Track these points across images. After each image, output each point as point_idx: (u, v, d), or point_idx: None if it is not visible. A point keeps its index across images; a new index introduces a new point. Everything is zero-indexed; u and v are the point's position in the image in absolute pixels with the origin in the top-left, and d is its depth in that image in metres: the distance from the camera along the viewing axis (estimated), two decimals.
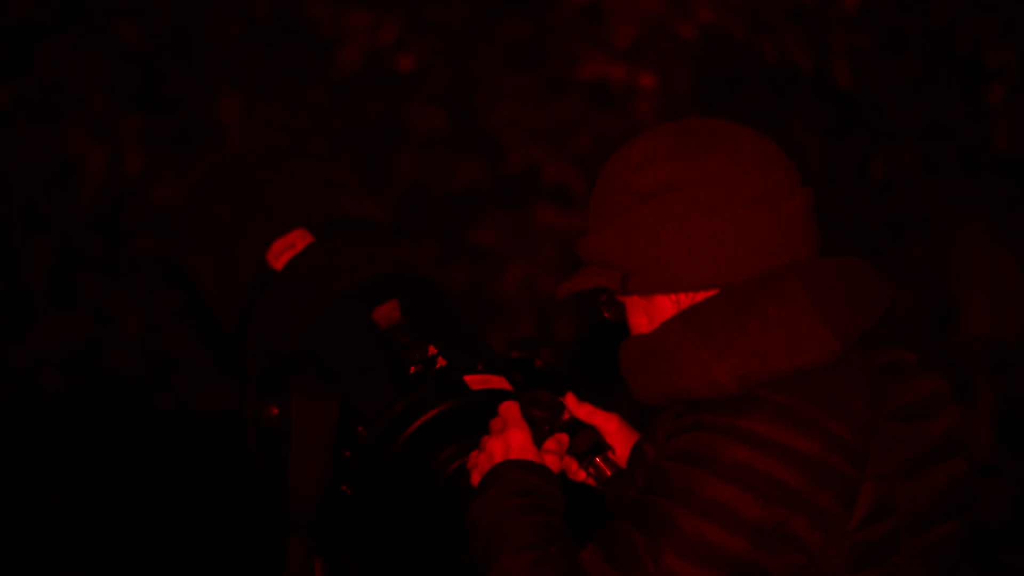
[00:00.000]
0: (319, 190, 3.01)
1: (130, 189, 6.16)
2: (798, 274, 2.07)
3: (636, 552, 2.01)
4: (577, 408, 2.38)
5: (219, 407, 6.27)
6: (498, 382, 2.53)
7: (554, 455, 2.29)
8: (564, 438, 2.32)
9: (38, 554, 5.70)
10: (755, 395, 2.01)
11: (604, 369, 2.18)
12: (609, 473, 2.32)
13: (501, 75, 5.98)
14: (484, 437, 2.28)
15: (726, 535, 1.98)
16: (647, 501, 2.03)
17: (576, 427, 2.36)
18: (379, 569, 2.64)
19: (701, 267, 2.09)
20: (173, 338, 6.33)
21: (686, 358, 2.04)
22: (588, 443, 2.34)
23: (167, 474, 6.15)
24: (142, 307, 6.28)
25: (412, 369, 2.49)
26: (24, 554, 5.69)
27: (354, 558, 2.66)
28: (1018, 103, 5.65)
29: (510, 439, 2.24)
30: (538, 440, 2.29)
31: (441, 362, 2.51)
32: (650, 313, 2.15)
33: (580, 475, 2.37)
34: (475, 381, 2.51)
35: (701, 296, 2.11)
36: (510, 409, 2.29)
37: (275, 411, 2.56)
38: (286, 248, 2.82)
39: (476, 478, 2.25)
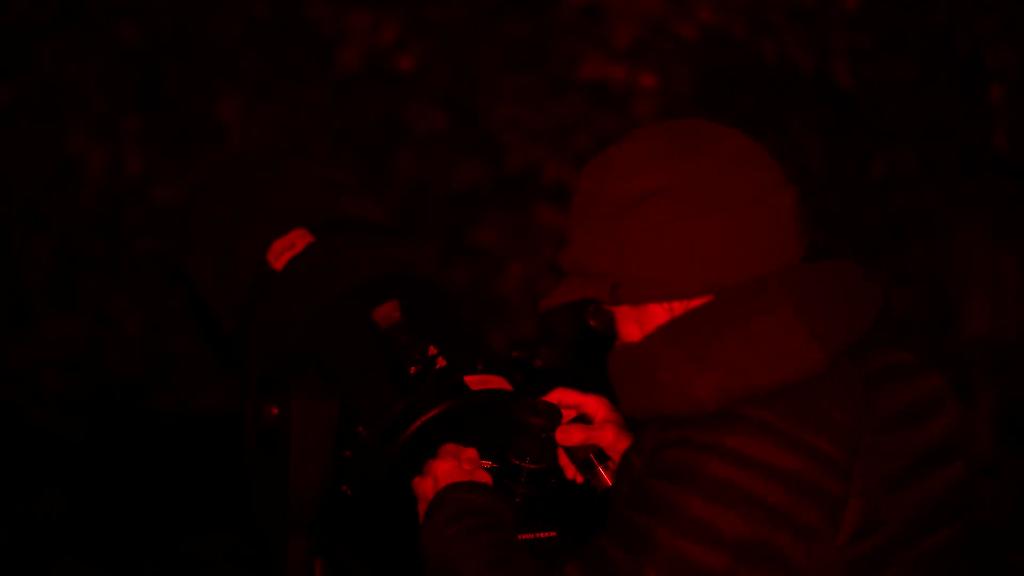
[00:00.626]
0: (319, 190, 3.01)
1: (130, 189, 6.16)
2: (783, 283, 2.03)
3: (617, 571, 1.99)
4: (569, 397, 2.38)
5: (219, 407, 6.27)
6: (498, 382, 2.53)
7: (484, 471, 2.30)
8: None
9: (38, 554, 5.70)
10: (739, 411, 1.98)
11: (604, 369, 2.17)
12: (610, 483, 2.30)
13: (501, 75, 5.98)
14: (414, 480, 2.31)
15: (707, 553, 1.96)
16: (628, 519, 2.01)
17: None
18: (379, 569, 2.64)
19: (694, 272, 2.05)
20: (173, 338, 6.33)
21: (666, 373, 2.01)
22: (588, 452, 2.33)
23: (167, 474, 6.15)
24: (142, 307, 6.28)
25: (412, 369, 2.49)
26: (24, 554, 5.69)
27: (354, 558, 2.66)
28: (1018, 103, 5.65)
29: (436, 471, 2.27)
30: (538, 448, 2.29)
31: (441, 362, 2.51)
32: (641, 321, 2.11)
33: (579, 479, 2.37)
34: (475, 381, 2.51)
35: (696, 303, 2.07)
36: (447, 446, 2.32)
37: (275, 411, 2.56)
38: (286, 248, 2.82)
39: (421, 509, 2.27)
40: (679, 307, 2.08)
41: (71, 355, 6.29)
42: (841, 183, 6.14)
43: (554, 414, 2.31)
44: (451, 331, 2.68)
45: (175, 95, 6.14)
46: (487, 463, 2.33)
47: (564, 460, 2.39)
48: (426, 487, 2.27)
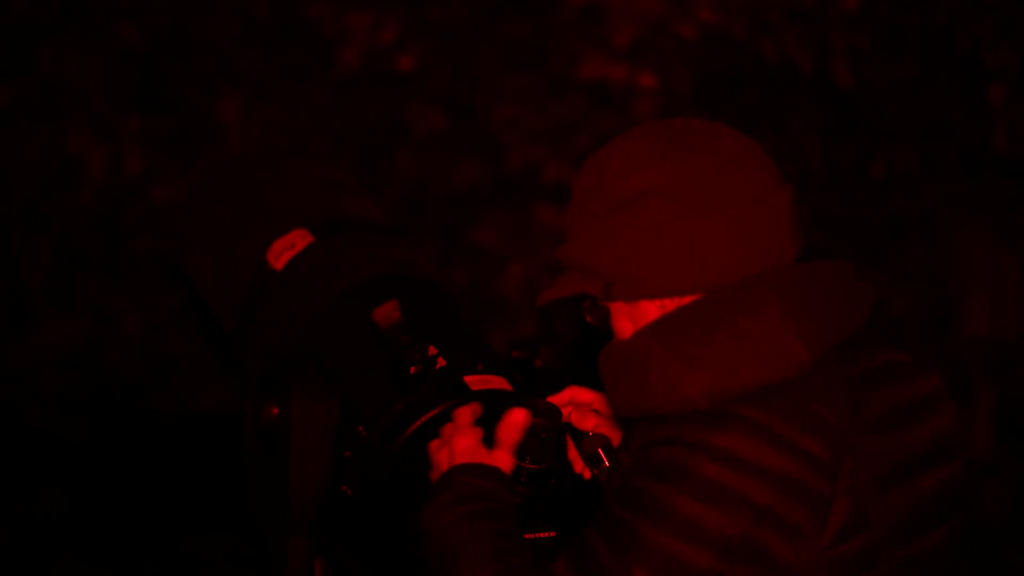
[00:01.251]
0: (319, 190, 3.01)
1: (130, 189, 6.16)
2: (771, 283, 2.04)
3: (604, 568, 2.00)
4: (582, 395, 2.38)
5: (219, 407, 6.27)
6: (498, 382, 2.53)
7: (506, 453, 2.27)
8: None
9: (38, 554, 5.70)
10: (727, 411, 1.99)
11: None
12: None
13: (501, 75, 5.98)
14: (432, 443, 2.29)
15: (694, 552, 1.97)
16: (617, 516, 2.02)
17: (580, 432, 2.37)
18: (379, 569, 2.64)
19: (689, 271, 2.06)
20: (173, 338, 6.33)
21: (656, 371, 2.02)
22: (596, 446, 2.33)
23: (167, 474, 6.15)
24: (142, 307, 6.28)
25: (412, 369, 2.49)
26: (24, 554, 5.69)
27: (354, 558, 2.66)
28: (1018, 103, 5.65)
29: (454, 445, 2.25)
30: (538, 448, 2.29)
31: (441, 362, 2.51)
32: (634, 318, 2.12)
33: (587, 475, 2.38)
34: (475, 381, 2.51)
35: (687, 300, 2.07)
36: (462, 415, 2.30)
37: (275, 411, 2.56)
38: (286, 248, 2.82)
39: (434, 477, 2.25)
40: (671, 304, 2.09)
41: (71, 355, 6.29)
42: (841, 183, 6.14)
43: (554, 414, 2.31)
44: (451, 331, 2.68)
45: (175, 95, 6.13)
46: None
47: (573, 454, 2.40)
48: (441, 458, 2.26)
